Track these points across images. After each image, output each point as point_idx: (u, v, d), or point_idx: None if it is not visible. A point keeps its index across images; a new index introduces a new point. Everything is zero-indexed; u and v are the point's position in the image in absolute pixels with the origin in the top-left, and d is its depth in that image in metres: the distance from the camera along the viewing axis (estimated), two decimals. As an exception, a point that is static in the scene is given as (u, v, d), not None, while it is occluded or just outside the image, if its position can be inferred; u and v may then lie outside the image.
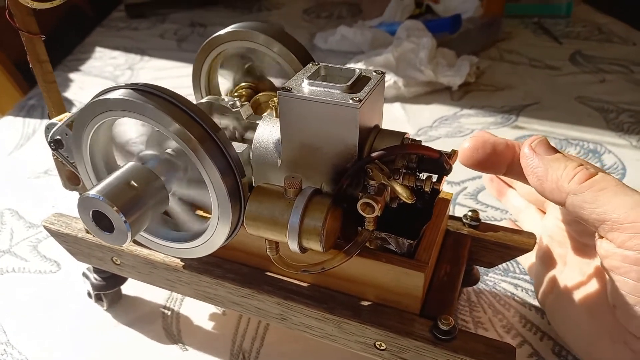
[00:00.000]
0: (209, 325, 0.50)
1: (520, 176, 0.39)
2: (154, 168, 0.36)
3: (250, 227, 0.36)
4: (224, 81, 0.52)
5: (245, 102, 0.46)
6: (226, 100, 0.45)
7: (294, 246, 0.34)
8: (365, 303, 0.39)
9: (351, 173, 0.35)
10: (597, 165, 0.72)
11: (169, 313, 0.51)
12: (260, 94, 0.47)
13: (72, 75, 1.08)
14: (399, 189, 0.33)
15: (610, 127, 0.82)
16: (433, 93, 0.94)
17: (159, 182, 0.36)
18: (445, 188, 0.68)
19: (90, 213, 0.34)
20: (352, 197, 0.36)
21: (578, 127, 0.82)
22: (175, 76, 1.05)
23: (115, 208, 0.33)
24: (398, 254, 0.37)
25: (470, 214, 0.46)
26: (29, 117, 0.91)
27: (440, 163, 0.36)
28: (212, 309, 0.51)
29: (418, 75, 0.92)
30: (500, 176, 0.51)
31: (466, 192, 0.68)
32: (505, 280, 0.54)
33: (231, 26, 0.48)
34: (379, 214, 0.34)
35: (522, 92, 0.95)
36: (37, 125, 0.88)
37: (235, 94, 0.49)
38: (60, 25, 1.31)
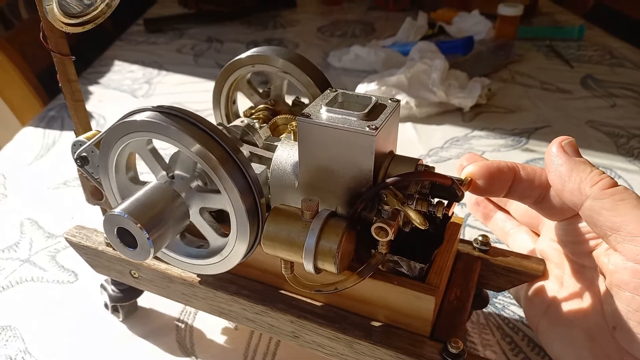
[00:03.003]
0: (221, 340, 0.51)
1: (522, 196, 0.40)
2: (176, 186, 0.38)
3: (267, 247, 0.37)
4: (243, 102, 0.54)
5: (264, 125, 0.48)
6: (246, 121, 0.47)
7: (309, 267, 0.36)
8: (377, 324, 0.40)
9: (366, 197, 0.36)
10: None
11: (183, 326, 0.52)
12: (278, 116, 0.49)
13: (91, 88, 1.10)
14: (412, 215, 0.34)
15: (620, 152, 0.82)
16: (444, 114, 0.95)
17: (180, 200, 0.38)
18: (456, 210, 0.70)
19: (115, 230, 0.35)
20: (367, 221, 0.38)
21: (588, 152, 0.83)
22: (192, 91, 1.08)
23: (139, 225, 0.34)
24: (410, 277, 0.38)
25: (480, 238, 0.47)
26: (48, 129, 0.93)
27: (453, 190, 0.37)
28: (224, 323, 0.52)
29: (430, 96, 0.94)
30: (493, 198, 0.51)
31: (476, 214, 0.68)
32: (514, 304, 0.55)
33: (251, 50, 0.49)
34: (392, 238, 0.35)
35: (533, 115, 0.96)
36: (57, 137, 0.90)
37: (253, 117, 0.50)
38: (81, 38, 1.34)
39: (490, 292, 0.53)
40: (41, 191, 0.75)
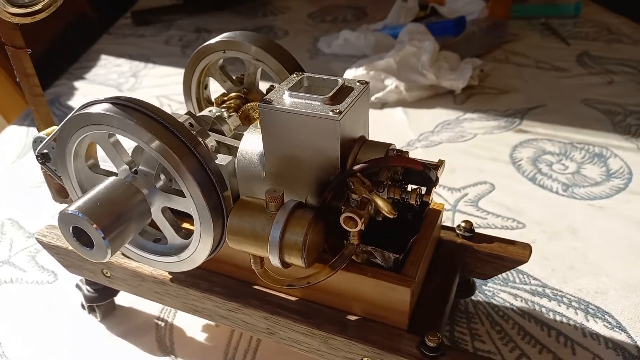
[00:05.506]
0: (202, 337, 0.50)
1: None
2: (136, 181, 0.36)
3: (232, 242, 0.35)
4: (215, 89, 0.51)
5: (233, 113, 0.46)
6: (214, 111, 0.45)
7: (275, 261, 0.34)
8: (353, 318, 0.38)
9: (333, 186, 0.34)
10: (603, 169, 0.71)
11: (163, 324, 0.51)
12: (249, 104, 0.47)
13: (76, 84, 1.08)
14: (380, 203, 0.32)
15: (616, 130, 0.80)
16: (435, 97, 0.93)
17: (140, 196, 0.36)
18: (445, 195, 0.68)
19: (71, 229, 0.34)
20: (338, 210, 0.36)
21: (583, 131, 0.80)
22: (177, 82, 1.05)
23: (94, 225, 0.32)
24: (385, 268, 0.37)
25: (463, 224, 0.45)
26: (32, 126, 0.92)
27: (426, 175, 0.35)
28: (205, 320, 0.51)
29: (420, 79, 0.91)
30: None
31: (467, 199, 0.66)
32: (505, 291, 0.53)
33: (222, 35, 0.47)
34: (363, 228, 0.34)
35: (527, 95, 0.93)
36: (41, 134, 0.89)
37: (224, 105, 0.48)
38: (67, 32, 1.32)
39: (480, 280, 0.51)
40: (23, 190, 0.74)
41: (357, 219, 0.33)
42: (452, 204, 0.65)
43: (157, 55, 1.21)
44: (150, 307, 0.53)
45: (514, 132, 0.82)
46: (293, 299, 0.40)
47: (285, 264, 0.34)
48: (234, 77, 0.51)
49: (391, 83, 0.90)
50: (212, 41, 0.47)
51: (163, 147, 0.33)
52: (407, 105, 0.90)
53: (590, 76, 0.98)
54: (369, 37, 1.10)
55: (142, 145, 0.34)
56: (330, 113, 0.33)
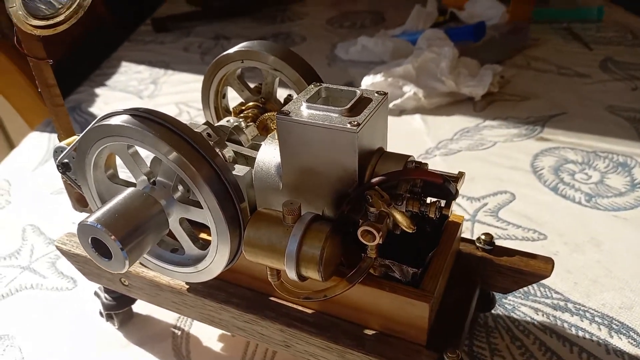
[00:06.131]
0: (217, 347, 0.49)
1: None
2: (154, 192, 0.36)
3: (248, 254, 0.35)
4: (232, 96, 0.52)
5: (251, 123, 0.46)
6: (232, 121, 0.45)
7: (292, 275, 0.33)
8: (370, 332, 0.37)
9: (351, 199, 0.34)
10: (627, 179, 0.69)
11: (179, 333, 0.51)
12: (267, 114, 0.47)
13: (98, 91, 1.10)
14: (399, 217, 0.31)
15: (642, 138, 0.78)
16: (454, 104, 0.92)
17: (158, 207, 0.36)
18: (464, 204, 0.67)
19: (90, 240, 0.34)
20: (355, 223, 0.35)
21: (607, 139, 0.78)
22: (196, 89, 1.05)
23: (112, 237, 0.32)
24: (403, 282, 0.36)
25: (483, 237, 0.44)
26: (54, 133, 0.93)
27: (445, 188, 0.34)
28: (221, 330, 0.51)
29: (439, 85, 0.90)
30: None
31: (486, 209, 0.65)
32: (525, 304, 0.52)
33: (240, 45, 0.47)
34: (381, 242, 0.33)
35: (548, 102, 0.91)
36: (62, 141, 0.90)
37: (242, 115, 0.48)
38: (88, 39, 1.35)
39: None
40: (44, 196, 0.75)
41: (375, 232, 0.32)
42: (472, 213, 0.64)
43: (177, 62, 1.22)
44: (167, 315, 0.53)
45: (535, 140, 0.81)
46: (310, 311, 0.40)
47: (302, 277, 0.34)
48: (252, 87, 0.51)
49: (409, 90, 0.89)
50: (231, 51, 0.47)
51: (180, 159, 0.33)
52: (425, 112, 0.89)
53: (613, 82, 0.96)
54: (387, 43, 1.10)
55: (160, 157, 0.34)
56: (349, 125, 0.32)
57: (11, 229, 0.69)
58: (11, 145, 1.31)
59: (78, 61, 1.25)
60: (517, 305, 0.52)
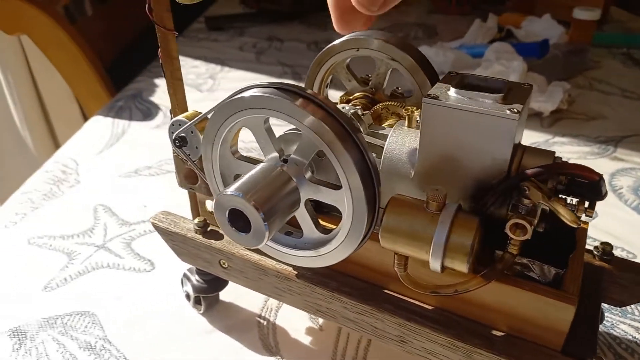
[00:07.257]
0: (306, 340, 0.48)
1: None
2: (289, 171, 0.35)
3: (386, 241, 0.34)
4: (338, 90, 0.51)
5: (366, 112, 0.45)
6: (347, 108, 0.44)
7: (435, 264, 0.32)
8: (498, 333, 0.36)
9: (501, 190, 0.33)
10: None
11: (265, 323, 0.50)
12: (380, 104, 0.46)
13: (156, 81, 1.10)
14: (562, 211, 0.30)
15: None
16: (522, 118, 0.90)
17: (292, 184, 0.35)
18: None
19: (227, 212, 0.33)
20: (493, 217, 0.34)
21: (684, 164, 0.76)
22: (255, 87, 1.06)
23: (258, 209, 0.31)
24: (541, 283, 0.34)
25: (602, 246, 0.42)
26: (117, 118, 0.93)
27: (598, 187, 0.33)
28: (308, 322, 0.49)
29: (508, 98, 0.89)
30: None
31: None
32: (624, 322, 0.50)
33: (353, 33, 0.47)
34: (529, 237, 0.32)
35: (617, 123, 0.90)
36: (126, 126, 0.90)
37: (351, 104, 0.47)
38: (147, 32, 1.36)
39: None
40: (112, 179, 0.75)
41: (527, 226, 0.31)
42: (588, 223, 0.63)
43: (233, 60, 1.23)
44: (251, 303, 0.52)
45: (609, 159, 0.79)
46: (428, 307, 0.38)
47: (443, 268, 0.32)
48: (359, 77, 0.50)
49: (478, 100, 0.88)
50: (335, 42, 0.47)
51: (329, 133, 0.32)
52: (493, 124, 0.88)
53: (684, 108, 0.94)
54: (448, 54, 1.09)
55: (303, 129, 0.33)
56: (508, 112, 0.31)
57: (82, 207, 0.68)
58: (53, 135, 1.31)
59: (135, 52, 1.26)
60: (616, 322, 0.50)
